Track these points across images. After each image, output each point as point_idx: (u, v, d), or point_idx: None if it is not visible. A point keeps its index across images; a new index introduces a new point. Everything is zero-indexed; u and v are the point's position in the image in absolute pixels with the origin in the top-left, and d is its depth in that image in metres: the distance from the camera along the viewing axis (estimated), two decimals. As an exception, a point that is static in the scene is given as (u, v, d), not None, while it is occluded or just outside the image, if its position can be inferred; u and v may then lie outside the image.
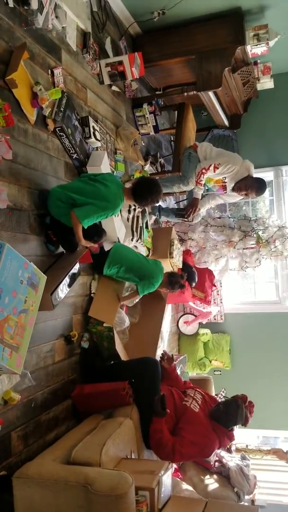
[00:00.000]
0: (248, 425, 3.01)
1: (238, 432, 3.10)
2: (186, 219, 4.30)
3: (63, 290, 2.64)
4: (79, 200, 2.61)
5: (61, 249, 2.82)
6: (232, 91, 4.71)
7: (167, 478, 2.34)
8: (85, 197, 2.63)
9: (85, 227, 2.61)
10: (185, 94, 4.41)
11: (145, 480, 2.19)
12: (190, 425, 2.86)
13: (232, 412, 2.92)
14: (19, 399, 2.31)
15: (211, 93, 4.34)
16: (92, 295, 3.22)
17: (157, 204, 4.73)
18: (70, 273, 2.66)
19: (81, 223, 2.57)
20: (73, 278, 2.78)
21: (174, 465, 3.18)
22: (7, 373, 2.18)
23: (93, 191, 2.67)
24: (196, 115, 5.00)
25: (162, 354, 3.38)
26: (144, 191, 2.79)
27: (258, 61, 4.61)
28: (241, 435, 4.91)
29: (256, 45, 4.05)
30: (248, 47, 4.09)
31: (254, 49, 4.13)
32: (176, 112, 4.71)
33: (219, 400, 3.27)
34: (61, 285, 2.55)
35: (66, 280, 2.64)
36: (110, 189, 2.71)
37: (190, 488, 3.05)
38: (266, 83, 4.81)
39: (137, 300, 3.71)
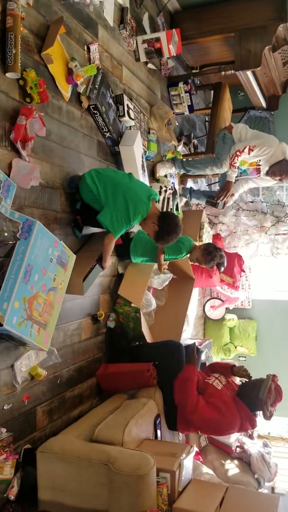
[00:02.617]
0: (272, 408, 2.86)
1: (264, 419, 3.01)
2: (216, 207, 4.22)
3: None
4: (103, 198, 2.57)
5: (87, 232, 2.79)
6: (272, 71, 4.55)
7: (188, 462, 2.34)
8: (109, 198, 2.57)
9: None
10: (223, 73, 4.30)
11: (166, 462, 2.20)
12: (212, 398, 2.79)
13: (259, 383, 2.86)
14: (46, 375, 2.35)
15: (249, 73, 4.22)
16: (122, 273, 3.21)
17: (188, 186, 4.68)
18: (99, 258, 2.67)
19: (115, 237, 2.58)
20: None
21: (195, 448, 3.19)
22: (35, 350, 2.21)
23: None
24: (233, 95, 4.86)
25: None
26: (170, 228, 2.68)
27: (301, 40, 4.42)
28: (267, 423, 4.87)
29: (299, 22, 3.89)
30: (291, 25, 3.92)
31: (296, 27, 3.97)
32: (212, 91, 4.60)
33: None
34: (92, 272, 2.57)
35: (97, 266, 2.66)
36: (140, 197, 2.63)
37: (210, 471, 3.05)
38: (307, 63, 4.64)
39: (166, 283, 3.68)
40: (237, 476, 3.31)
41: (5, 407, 2.11)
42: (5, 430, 2.05)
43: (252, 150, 3.77)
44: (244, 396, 2.86)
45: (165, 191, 3.75)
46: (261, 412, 2.81)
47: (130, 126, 3.32)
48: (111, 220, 2.53)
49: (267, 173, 3.93)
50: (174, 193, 3.96)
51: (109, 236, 2.59)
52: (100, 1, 2.92)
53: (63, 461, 2.09)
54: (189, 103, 4.28)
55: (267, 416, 2.81)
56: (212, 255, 3.34)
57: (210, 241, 4.39)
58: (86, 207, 2.63)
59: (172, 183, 4.03)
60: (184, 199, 4.54)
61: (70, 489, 2.08)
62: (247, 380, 2.96)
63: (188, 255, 3.42)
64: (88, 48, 2.80)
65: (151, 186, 3.62)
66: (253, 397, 2.80)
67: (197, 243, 4.05)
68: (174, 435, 2.95)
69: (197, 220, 4.22)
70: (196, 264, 3.51)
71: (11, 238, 1.95)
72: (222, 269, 4.70)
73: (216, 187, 5.19)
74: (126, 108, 3.16)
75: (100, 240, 2.74)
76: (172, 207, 3.84)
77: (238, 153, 3.79)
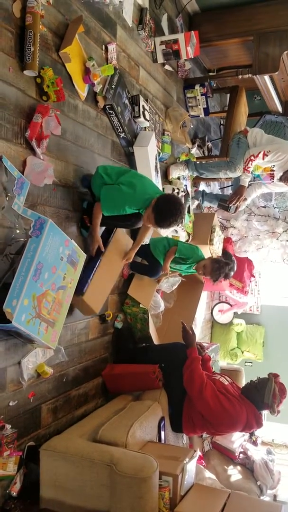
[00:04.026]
0: (278, 408, 2.84)
1: (268, 426, 2.98)
2: (228, 211, 4.20)
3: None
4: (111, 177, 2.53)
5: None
6: (289, 76, 4.52)
7: (191, 466, 2.33)
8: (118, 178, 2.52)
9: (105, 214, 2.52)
10: (240, 77, 4.28)
11: (169, 465, 2.19)
12: (219, 390, 2.77)
13: (262, 385, 2.84)
14: (52, 373, 2.35)
15: (266, 77, 4.18)
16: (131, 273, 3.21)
17: (201, 189, 4.66)
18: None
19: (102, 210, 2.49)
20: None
21: (199, 452, 3.17)
22: (42, 347, 2.21)
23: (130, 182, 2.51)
24: (249, 99, 4.83)
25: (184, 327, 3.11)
26: (165, 211, 2.46)
27: None
28: (271, 430, 4.84)
29: None
30: (311, 30, 3.89)
31: None
32: (228, 95, 4.57)
33: None
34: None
35: None
36: (146, 187, 2.56)
37: (213, 476, 3.03)
38: None
39: (175, 287, 3.67)
40: (240, 482, 3.29)
41: (10, 404, 2.12)
42: (10, 426, 2.05)
43: (267, 155, 3.74)
44: (249, 392, 2.85)
45: (178, 193, 3.74)
46: (267, 410, 2.82)
47: (145, 127, 3.32)
48: (106, 193, 2.47)
49: (281, 179, 3.90)
50: (187, 196, 3.94)
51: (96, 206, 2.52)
52: (120, 1, 2.92)
53: (66, 460, 2.09)
54: (205, 106, 4.26)
55: (275, 415, 2.83)
56: (220, 264, 3.22)
57: (221, 244, 4.37)
58: (93, 207, 2.62)
59: (185, 185, 4.02)
60: (196, 202, 4.53)
61: (72, 488, 2.08)
62: (249, 383, 2.93)
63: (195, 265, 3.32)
64: (106, 48, 2.80)
65: (163, 189, 3.62)
66: (258, 401, 2.80)
67: (208, 246, 4.04)
68: (178, 438, 2.94)
69: (208, 223, 4.20)
70: (201, 273, 3.37)
71: (22, 235, 1.96)
72: (232, 273, 4.70)
73: (228, 191, 5.17)
74: (141, 109, 3.16)
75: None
76: (184, 210, 3.83)
77: (252, 157, 3.77)
